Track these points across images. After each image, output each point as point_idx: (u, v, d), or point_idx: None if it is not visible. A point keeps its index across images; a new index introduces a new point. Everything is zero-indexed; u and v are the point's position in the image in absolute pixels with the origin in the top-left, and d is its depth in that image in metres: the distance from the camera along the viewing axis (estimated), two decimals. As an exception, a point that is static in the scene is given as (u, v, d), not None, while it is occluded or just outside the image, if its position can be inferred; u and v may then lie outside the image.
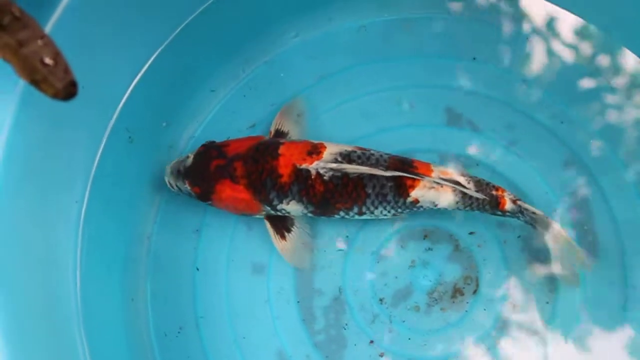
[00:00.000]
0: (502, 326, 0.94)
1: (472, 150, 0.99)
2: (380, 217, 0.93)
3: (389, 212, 0.92)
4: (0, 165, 0.77)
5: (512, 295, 0.95)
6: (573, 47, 1.00)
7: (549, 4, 1.00)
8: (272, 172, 0.90)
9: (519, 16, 1.01)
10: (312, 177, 0.89)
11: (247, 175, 0.91)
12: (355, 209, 0.91)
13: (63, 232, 0.87)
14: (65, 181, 0.88)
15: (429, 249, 0.97)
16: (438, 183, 0.89)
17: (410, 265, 0.97)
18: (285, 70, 1.03)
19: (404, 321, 0.95)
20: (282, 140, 0.94)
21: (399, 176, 0.89)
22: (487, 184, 0.92)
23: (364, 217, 0.93)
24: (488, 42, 1.02)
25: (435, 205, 0.91)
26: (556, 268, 0.94)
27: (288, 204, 0.91)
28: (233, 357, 0.96)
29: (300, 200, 0.91)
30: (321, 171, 0.89)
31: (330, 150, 0.91)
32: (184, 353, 0.96)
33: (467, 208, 0.92)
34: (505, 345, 0.94)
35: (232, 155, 0.92)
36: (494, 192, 0.92)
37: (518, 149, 0.99)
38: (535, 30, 1.00)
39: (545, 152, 0.99)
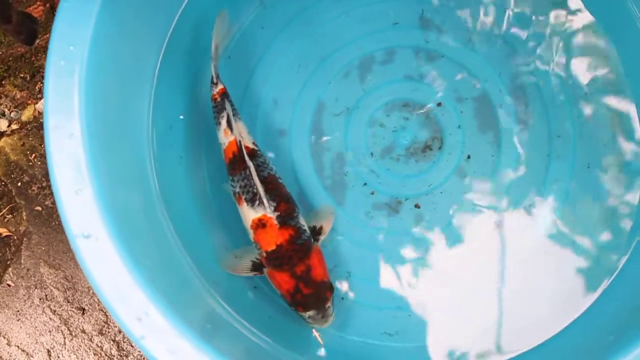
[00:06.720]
0: (459, 172, 1.30)
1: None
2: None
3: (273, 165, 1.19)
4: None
5: (467, 150, 1.30)
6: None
7: None
8: (292, 236, 1.12)
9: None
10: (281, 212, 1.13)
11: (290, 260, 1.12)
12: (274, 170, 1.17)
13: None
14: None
15: (407, 118, 1.32)
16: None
17: (394, 130, 1.32)
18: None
19: (388, 169, 1.31)
20: (257, 248, 1.14)
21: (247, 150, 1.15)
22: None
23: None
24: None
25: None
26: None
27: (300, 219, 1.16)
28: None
29: (298, 215, 1.16)
30: (272, 204, 1.12)
31: (254, 214, 1.12)
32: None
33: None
34: (460, 184, 1.29)
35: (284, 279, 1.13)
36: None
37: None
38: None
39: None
